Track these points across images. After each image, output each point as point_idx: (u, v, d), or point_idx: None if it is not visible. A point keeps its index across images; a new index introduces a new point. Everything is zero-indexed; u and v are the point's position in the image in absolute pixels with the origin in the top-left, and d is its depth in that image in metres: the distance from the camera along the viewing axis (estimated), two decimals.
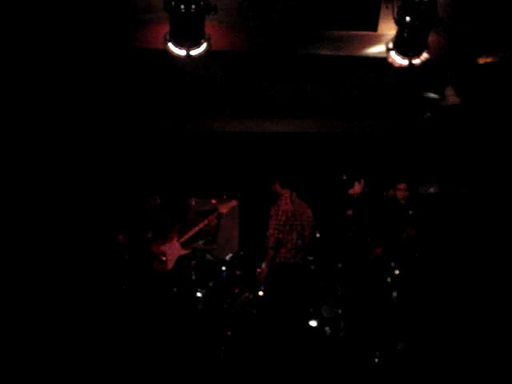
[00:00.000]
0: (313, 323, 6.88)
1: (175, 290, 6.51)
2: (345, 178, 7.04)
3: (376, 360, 5.96)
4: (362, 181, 7.04)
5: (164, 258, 6.41)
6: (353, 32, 5.44)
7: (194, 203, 6.89)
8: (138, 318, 6.59)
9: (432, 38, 5.19)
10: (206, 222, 6.52)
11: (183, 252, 6.49)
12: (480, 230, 7.63)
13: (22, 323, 6.34)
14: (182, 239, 6.51)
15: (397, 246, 6.77)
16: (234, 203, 6.66)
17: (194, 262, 7.21)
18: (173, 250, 6.45)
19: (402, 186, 6.97)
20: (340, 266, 6.93)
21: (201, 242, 7.07)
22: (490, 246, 7.44)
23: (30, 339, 6.12)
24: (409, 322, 6.53)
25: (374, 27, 5.12)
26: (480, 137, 7.93)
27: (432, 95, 6.83)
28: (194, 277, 7.23)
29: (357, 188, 7.00)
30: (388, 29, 5.24)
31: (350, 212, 6.69)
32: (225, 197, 6.72)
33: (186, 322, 6.54)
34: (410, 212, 6.84)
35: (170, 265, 6.41)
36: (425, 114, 7.31)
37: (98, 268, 7.34)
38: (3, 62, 6.00)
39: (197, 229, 6.53)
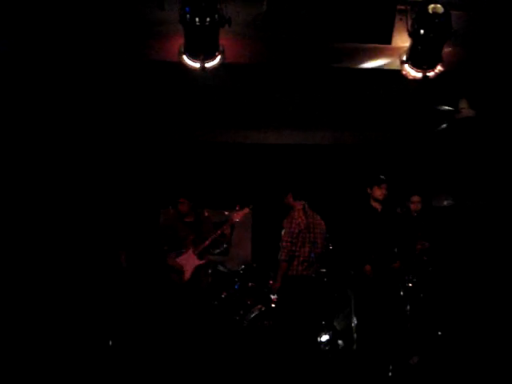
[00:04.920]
0: (325, 336, 6.84)
1: (192, 300, 6.51)
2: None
3: (389, 374, 5.91)
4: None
5: (182, 270, 6.44)
6: (367, 45, 5.46)
7: (206, 214, 6.87)
8: (151, 328, 6.65)
9: (446, 50, 5.18)
10: (219, 231, 6.53)
11: (199, 262, 6.50)
12: (495, 243, 7.57)
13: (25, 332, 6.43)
14: (198, 250, 6.53)
15: (410, 259, 6.72)
16: (246, 210, 6.66)
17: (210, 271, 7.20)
18: (189, 261, 6.47)
19: (416, 198, 6.93)
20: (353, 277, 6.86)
21: (217, 251, 7.10)
22: (506, 260, 7.37)
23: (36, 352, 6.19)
24: (422, 335, 6.48)
25: (388, 40, 5.13)
26: (494, 149, 7.89)
27: (446, 108, 6.81)
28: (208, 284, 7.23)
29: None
30: (402, 41, 5.24)
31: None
32: (238, 208, 6.72)
33: (199, 333, 6.53)
34: (422, 223, 6.81)
35: (187, 276, 6.44)
36: (441, 125, 7.27)
37: (109, 281, 7.40)
38: (22, 75, 6.09)
39: (211, 238, 6.54)
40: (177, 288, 6.46)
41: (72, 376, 5.66)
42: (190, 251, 6.51)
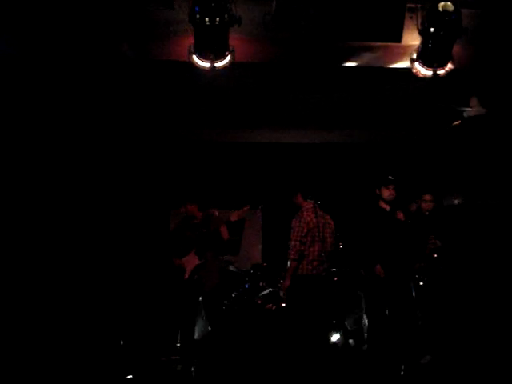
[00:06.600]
0: (336, 335, 6.83)
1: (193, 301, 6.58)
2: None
3: (401, 373, 5.89)
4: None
5: (185, 269, 6.59)
6: (377, 43, 5.44)
7: (216, 214, 6.90)
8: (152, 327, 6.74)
9: (456, 48, 5.16)
10: (204, 230, 6.61)
11: (197, 262, 6.56)
12: (506, 242, 7.53)
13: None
14: (197, 249, 6.62)
15: (421, 258, 6.70)
16: (245, 209, 6.69)
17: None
18: (190, 261, 6.57)
19: (428, 197, 6.89)
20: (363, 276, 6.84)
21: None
22: None
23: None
24: (434, 334, 6.46)
25: (398, 38, 5.11)
26: (504, 148, 7.85)
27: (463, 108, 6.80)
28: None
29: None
30: (412, 39, 5.22)
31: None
32: (248, 208, 6.73)
33: (209, 333, 6.56)
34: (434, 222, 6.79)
35: (186, 275, 6.58)
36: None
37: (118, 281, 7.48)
38: (29, 76, 6.12)
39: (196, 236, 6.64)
40: (178, 287, 6.63)
41: (83, 375, 5.69)
42: (193, 252, 6.58)
